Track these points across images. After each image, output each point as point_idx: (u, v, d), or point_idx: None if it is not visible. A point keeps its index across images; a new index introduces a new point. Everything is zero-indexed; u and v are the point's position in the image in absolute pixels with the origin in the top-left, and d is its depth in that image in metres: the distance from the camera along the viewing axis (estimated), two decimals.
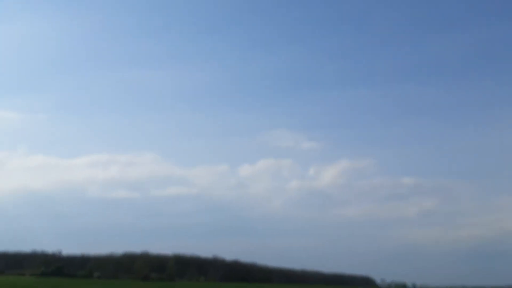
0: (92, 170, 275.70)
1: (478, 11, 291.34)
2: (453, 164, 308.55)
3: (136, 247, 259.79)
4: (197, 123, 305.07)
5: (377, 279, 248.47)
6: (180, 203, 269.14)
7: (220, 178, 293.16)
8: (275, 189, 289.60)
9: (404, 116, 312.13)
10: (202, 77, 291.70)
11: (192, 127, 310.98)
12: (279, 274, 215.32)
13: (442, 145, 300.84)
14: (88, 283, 70.73)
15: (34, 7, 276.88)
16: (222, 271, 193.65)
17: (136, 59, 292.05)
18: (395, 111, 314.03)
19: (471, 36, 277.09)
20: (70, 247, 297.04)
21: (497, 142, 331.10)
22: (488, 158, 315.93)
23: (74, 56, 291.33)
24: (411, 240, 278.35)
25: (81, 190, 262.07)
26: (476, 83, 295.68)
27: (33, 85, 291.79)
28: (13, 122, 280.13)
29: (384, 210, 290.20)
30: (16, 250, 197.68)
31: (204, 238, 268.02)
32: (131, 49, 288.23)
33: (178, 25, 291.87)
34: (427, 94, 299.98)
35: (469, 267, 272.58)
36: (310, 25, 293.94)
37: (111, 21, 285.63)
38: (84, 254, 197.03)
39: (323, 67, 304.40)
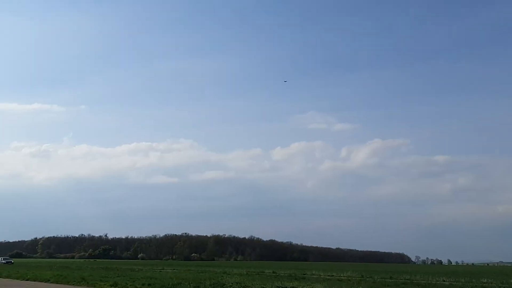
0: (133, 157, 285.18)
1: None
2: (487, 141, 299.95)
3: (176, 229, 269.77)
4: (231, 109, 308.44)
5: (412, 256, 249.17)
6: (217, 187, 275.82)
7: (254, 161, 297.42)
8: (308, 171, 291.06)
9: (436, 94, 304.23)
10: (234, 64, 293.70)
11: (226, 114, 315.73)
12: (315, 253, 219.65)
13: (475, 122, 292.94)
14: (134, 264, 76.36)
15: (75, 2, 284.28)
16: (259, 250, 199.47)
17: (170, 50, 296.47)
18: (426, 89, 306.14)
19: (501, 8, 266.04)
20: (115, 231, 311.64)
21: None
22: None
23: (113, 49, 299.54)
24: (446, 217, 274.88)
25: (123, 177, 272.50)
26: (509, 57, 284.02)
27: (75, 79, 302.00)
28: (58, 115, 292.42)
29: (418, 188, 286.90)
30: (66, 235, 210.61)
31: (241, 220, 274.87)
32: (165, 40, 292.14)
33: (210, 15, 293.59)
34: (459, 70, 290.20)
35: (506, 243, 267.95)
36: (338, 7, 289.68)
37: (148, 13, 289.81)
38: (129, 237, 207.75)
39: (352, 48, 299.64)
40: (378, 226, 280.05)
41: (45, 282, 27.10)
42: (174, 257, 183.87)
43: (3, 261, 77.62)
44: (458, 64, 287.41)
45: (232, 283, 21.34)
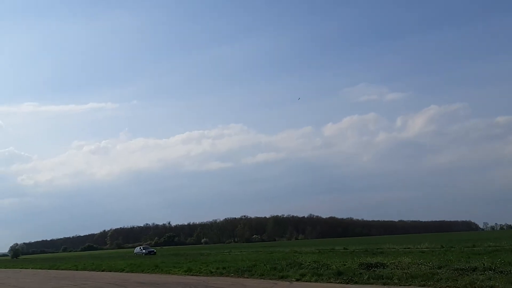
0: (187, 146, 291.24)
1: None
2: None
3: (235, 212, 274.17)
4: (278, 89, 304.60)
5: (479, 223, 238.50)
6: (270, 168, 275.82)
7: (306, 140, 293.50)
8: (363, 145, 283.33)
9: (492, 53, 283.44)
10: (280, 42, 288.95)
11: (274, 94, 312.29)
12: (377, 227, 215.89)
13: None
14: (199, 249, 77.60)
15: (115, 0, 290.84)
16: (320, 228, 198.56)
17: (209, 38, 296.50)
18: (482, 49, 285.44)
19: None
20: (177, 218, 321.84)
21: None
22: None
23: (154, 43, 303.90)
24: None
25: (179, 166, 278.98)
26: None
27: (123, 76, 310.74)
28: (113, 112, 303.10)
29: (479, 153, 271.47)
30: (131, 225, 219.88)
31: (298, 199, 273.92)
32: (205, 28, 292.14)
33: None
34: None
35: None
36: None
37: (186, 3, 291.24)
38: (191, 223, 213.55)
39: (399, 14, 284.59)
40: (441, 195, 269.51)
41: (120, 272, 27.32)
42: (235, 240, 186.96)
43: (144, 251, 63.79)
44: None
45: (309, 262, 20.28)
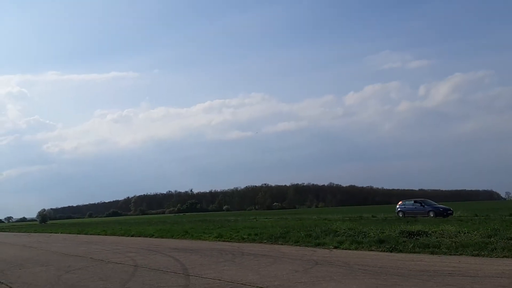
0: (208, 115, 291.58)
1: None
2: None
3: (256, 180, 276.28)
4: (299, 57, 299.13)
5: (502, 192, 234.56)
6: (291, 137, 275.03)
7: (327, 108, 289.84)
8: (384, 114, 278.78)
9: None
10: (298, 9, 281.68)
11: (295, 62, 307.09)
12: (398, 195, 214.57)
13: None
14: (223, 215, 78.23)
15: None
16: (340, 196, 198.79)
17: (229, 4, 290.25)
18: (510, 13, 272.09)
19: None
20: (199, 185, 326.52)
21: None
22: None
23: (173, 11, 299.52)
24: None
25: (200, 135, 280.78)
26: None
27: (144, 45, 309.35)
28: (134, 81, 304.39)
29: (504, 121, 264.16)
30: (154, 192, 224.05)
31: (318, 168, 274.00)
32: None
33: None
34: None
35: None
36: None
37: None
38: (212, 190, 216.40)
39: None
40: (462, 164, 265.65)
41: (150, 237, 27.32)
42: (256, 207, 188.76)
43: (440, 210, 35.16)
44: None
45: (345, 229, 19.68)
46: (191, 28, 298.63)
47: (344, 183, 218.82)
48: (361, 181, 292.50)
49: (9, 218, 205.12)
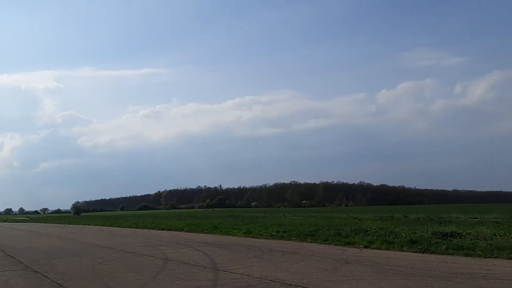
0: (238, 112, 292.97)
1: None
2: None
3: (285, 178, 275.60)
4: (331, 54, 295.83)
5: None
6: (321, 135, 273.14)
7: (359, 106, 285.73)
8: (418, 112, 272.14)
9: None
10: (331, 6, 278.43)
11: (327, 59, 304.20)
12: (430, 195, 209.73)
13: None
14: (251, 212, 78.46)
15: None
16: (370, 196, 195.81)
17: (261, 2, 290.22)
18: None
19: None
20: (228, 181, 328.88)
21: None
22: None
23: (207, 8, 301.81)
24: None
25: (230, 131, 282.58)
26: None
27: (177, 42, 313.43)
28: (166, 77, 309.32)
29: None
30: (184, 187, 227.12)
31: (348, 166, 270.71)
32: None
33: None
34: None
35: None
36: None
37: None
38: (241, 187, 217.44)
39: None
40: (499, 164, 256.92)
41: (180, 231, 27.71)
42: (285, 204, 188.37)
43: None
44: None
45: (375, 229, 19.37)
46: (223, 26, 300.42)
47: (375, 182, 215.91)
48: (392, 180, 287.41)
49: (44, 210, 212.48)
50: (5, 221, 76.17)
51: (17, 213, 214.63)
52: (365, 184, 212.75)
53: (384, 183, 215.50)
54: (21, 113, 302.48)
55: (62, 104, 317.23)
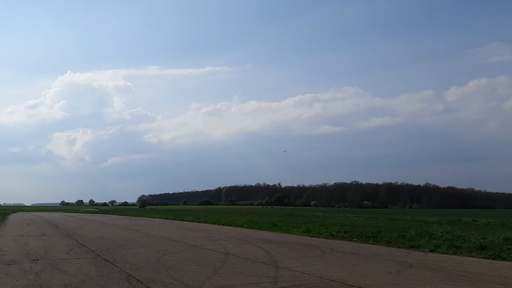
0: (298, 109, 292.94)
1: None
2: None
3: (346, 177, 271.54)
4: (396, 50, 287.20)
5: None
6: (385, 134, 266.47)
7: (425, 104, 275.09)
8: (490, 111, 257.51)
9: None
10: (394, 2, 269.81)
11: (391, 55, 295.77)
12: (503, 199, 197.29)
13: None
14: (311, 211, 77.89)
15: None
16: (436, 198, 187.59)
17: (322, 0, 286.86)
18: None
19: None
20: (287, 180, 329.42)
21: None
22: None
23: (265, 7, 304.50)
24: None
25: (290, 129, 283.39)
26: None
27: (238, 41, 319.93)
28: (228, 75, 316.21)
29: None
30: (244, 184, 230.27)
31: (413, 166, 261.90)
32: None
33: None
34: None
35: None
36: None
37: None
38: (300, 185, 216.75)
39: None
40: None
41: (239, 227, 28.11)
42: (345, 204, 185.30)
43: None
44: None
45: (442, 232, 18.55)
46: (284, 24, 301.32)
47: (442, 184, 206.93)
48: (461, 183, 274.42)
49: (112, 202, 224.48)
50: (77, 211, 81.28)
51: (88, 204, 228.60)
52: (431, 185, 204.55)
53: (451, 185, 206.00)
54: (92, 110, 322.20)
55: (130, 102, 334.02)
